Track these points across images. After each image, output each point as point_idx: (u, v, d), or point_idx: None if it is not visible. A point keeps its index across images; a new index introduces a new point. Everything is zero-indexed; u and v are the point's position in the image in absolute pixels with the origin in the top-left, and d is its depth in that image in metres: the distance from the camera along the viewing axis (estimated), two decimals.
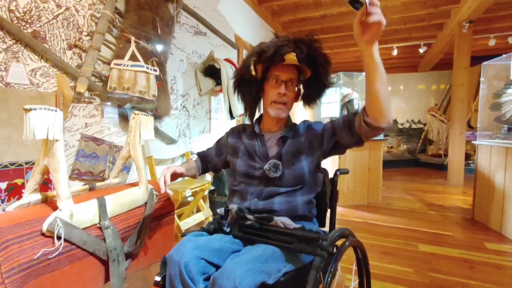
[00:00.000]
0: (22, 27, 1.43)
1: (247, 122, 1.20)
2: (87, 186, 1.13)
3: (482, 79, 3.03)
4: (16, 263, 0.71)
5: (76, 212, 0.88)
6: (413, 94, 6.81)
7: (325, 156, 1.06)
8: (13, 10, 1.39)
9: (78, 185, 1.20)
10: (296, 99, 1.09)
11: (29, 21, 1.46)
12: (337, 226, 1.08)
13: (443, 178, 4.80)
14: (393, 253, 2.03)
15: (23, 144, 1.40)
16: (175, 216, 1.75)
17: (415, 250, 2.08)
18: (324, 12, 4.38)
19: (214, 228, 1.00)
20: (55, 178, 0.85)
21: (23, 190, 1.41)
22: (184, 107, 2.67)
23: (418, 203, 3.38)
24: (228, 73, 2.77)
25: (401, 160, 6.28)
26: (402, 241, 2.24)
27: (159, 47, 2.08)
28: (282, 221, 0.92)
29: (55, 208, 0.86)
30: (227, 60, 3.00)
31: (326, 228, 1.16)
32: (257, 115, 1.17)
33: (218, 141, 1.24)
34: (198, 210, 2.47)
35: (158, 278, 0.86)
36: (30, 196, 0.91)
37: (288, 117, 1.12)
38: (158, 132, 2.29)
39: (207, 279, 0.81)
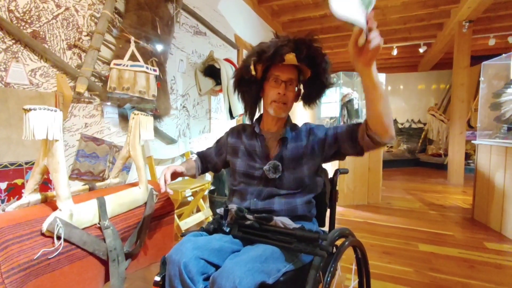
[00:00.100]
0: (21, 27, 1.43)
1: (247, 122, 1.20)
2: (87, 186, 1.13)
3: (482, 78, 3.02)
4: (16, 263, 0.71)
5: (76, 212, 0.88)
6: (413, 94, 6.81)
7: (325, 161, 1.08)
8: (13, 10, 1.39)
9: (78, 185, 1.20)
10: (296, 99, 1.09)
11: (29, 21, 1.46)
12: (337, 226, 1.08)
13: (443, 178, 4.80)
14: (393, 252, 2.03)
15: (23, 144, 1.40)
16: (175, 216, 1.75)
17: (415, 250, 2.08)
18: (324, 12, 4.37)
19: (213, 228, 1.00)
20: (55, 178, 0.85)
21: (23, 190, 1.41)
22: (184, 107, 2.67)
23: (418, 202, 3.38)
24: (228, 73, 2.77)
25: (401, 160, 6.27)
26: (402, 240, 2.24)
27: (159, 47, 2.08)
28: (282, 221, 0.92)
29: (55, 208, 0.86)
30: (227, 60, 3.00)
31: (326, 228, 1.17)
32: (257, 115, 1.17)
33: (218, 141, 1.24)
34: (198, 210, 2.47)
35: (157, 278, 0.86)
36: (30, 196, 0.91)
37: (288, 117, 1.12)
38: (158, 132, 2.29)
39: (206, 279, 0.81)
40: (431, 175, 5.15)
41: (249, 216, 0.95)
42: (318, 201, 1.12)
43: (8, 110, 1.35)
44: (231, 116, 2.90)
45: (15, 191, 1.40)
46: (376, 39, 0.66)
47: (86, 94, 1.73)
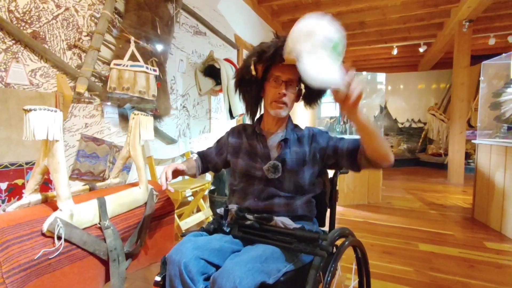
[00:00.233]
0: (21, 28, 1.43)
1: (247, 121, 1.20)
2: (87, 186, 1.14)
3: (482, 78, 3.02)
4: (16, 263, 0.71)
5: (76, 212, 0.89)
6: (413, 93, 6.81)
7: (324, 168, 1.10)
8: (13, 10, 1.39)
9: (78, 185, 1.20)
10: (297, 99, 1.09)
11: (29, 21, 1.46)
12: (337, 225, 1.08)
13: (443, 177, 4.80)
14: (393, 252, 2.04)
15: (23, 145, 1.41)
16: (175, 216, 1.76)
17: (415, 249, 2.08)
18: (323, 12, 4.37)
19: (214, 228, 1.00)
20: (55, 178, 0.85)
21: (23, 191, 1.41)
22: (184, 107, 2.68)
23: (418, 202, 3.38)
24: (228, 73, 2.77)
25: (401, 159, 6.28)
26: (402, 240, 2.25)
27: (159, 47, 2.08)
28: (282, 221, 0.92)
29: (55, 208, 0.86)
30: (226, 60, 3.00)
31: (326, 228, 1.17)
32: (258, 115, 1.17)
33: (219, 141, 1.23)
34: (198, 210, 2.47)
35: (158, 278, 0.86)
36: (31, 196, 0.92)
37: (289, 118, 1.11)
38: (158, 132, 2.29)
39: (207, 279, 0.81)
40: (431, 175, 5.15)
41: (249, 216, 0.95)
42: (318, 201, 1.12)
43: (8, 111, 1.35)
44: (231, 116, 2.90)
45: (15, 191, 1.40)
46: (355, 91, 0.69)
47: (86, 94, 1.73)
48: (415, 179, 4.80)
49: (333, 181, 1.18)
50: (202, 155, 1.24)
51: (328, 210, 1.19)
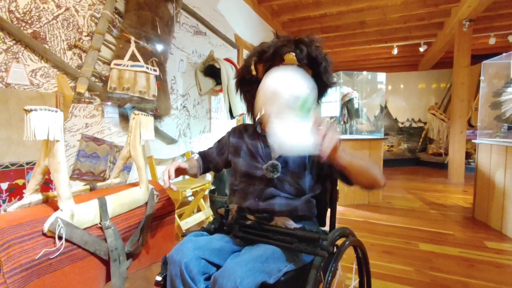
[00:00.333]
0: (22, 28, 1.43)
1: (247, 121, 1.20)
2: (88, 186, 1.14)
3: (482, 77, 3.02)
4: (17, 263, 0.71)
5: (77, 212, 0.89)
6: (413, 93, 6.81)
7: (319, 174, 1.09)
8: (13, 10, 1.40)
9: (79, 185, 1.20)
10: None
11: (29, 21, 1.46)
12: (337, 225, 1.08)
13: (443, 177, 4.80)
14: (394, 252, 2.04)
15: (23, 145, 1.41)
16: (176, 216, 1.76)
17: (415, 249, 2.08)
18: (323, 11, 4.37)
19: (214, 228, 1.00)
20: (56, 178, 0.85)
21: (24, 191, 1.41)
22: (184, 107, 2.68)
23: (419, 202, 3.38)
24: (228, 73, 2.77)
25: (402, 159, 6.28)
26: (403, 240, 2.25)
27: (159, 47, 2.08)
28: (282, 221, 0.92)
29: (56, 208, 0.86)
30: (227, 59, 3.00)
31: (327, 228, 1.17)
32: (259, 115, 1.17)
33: (220, 141, 1.23)
34: (199, 210, 2.47)
35: (159, 278, 0.86)
36: (31, 196, 0.92)
37: None
38: (158, 132, 2.29)
39: (207, 279, 0.81)
40: (431, 174, 5.15)
41: (250, 216, 0.95)
42: (319, 201, 1.12)
43: (9, 111, 1.36)
44: (231, 116, 2.90)
45: (16, 192, 1.40)
46: (327, 149, 0.66)
47: (87, 94, 1.73)
48: (415, 179, 4.80)
49: (334, 180, 1.18)
50: (203, 155, 1.24)
51: (329, 210, 1.19)
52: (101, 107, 1.84)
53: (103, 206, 0.98)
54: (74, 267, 0.86)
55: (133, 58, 1.85)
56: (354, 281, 1.20)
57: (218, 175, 2.51)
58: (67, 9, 1.63)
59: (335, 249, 0.90)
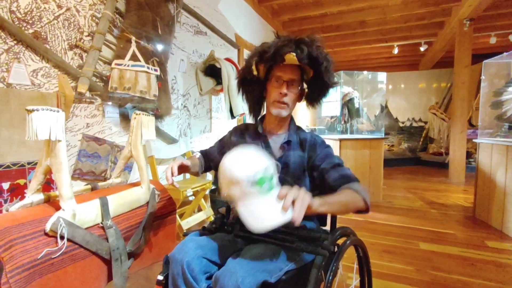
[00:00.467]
0: (23, 28, 1.43)
1: (248, 121, 1.20)
2: (89, 186, 1.14)
3: (483, 77, 3.02)
4: (20, 263, 0.72)
5: (79, 212, 0.89)
6: (414, 93, 6.81)
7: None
8: (14, 11, 1.40)
9: (80, 185, 1.21)
10: (299, 99, 1.09)
11: (30, 21, 1.46)
12: (338, 225, 1.08)
13: (444, 177, 4.80)
14: (394, 251, 2.04)
15: (25, 145, 1.41)
16: (177, 216, 1.76)
17: (416, 249, 2.08)
18: (324, 11, 4.37)
19: (215, 227, 1.00)
20: (58, 178, 0.85)
21: (25, 190, 1.42)
22: (185, 106, 2.68)
23: (419, 201, 3.38)
24: (228, 73, 2.77)
25: (402, 159, 6.27)
26: (403, 239, 2.25)
27: (160, 47, 2.08)
28: None
29: (57, 208, 0.87)
30: (227, 59, 3.00)
31: (327, 227, 1.17)
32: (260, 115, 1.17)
33: (221, 140, 1.23)
34: (200, 210, 2.47)
35: (160, 277, 0.86)
36: (33, 196, 0.92)
37: (292, 120, 1.11)
38: (159, 132, 2.29)
39: (209, 278, 0.81)
40: (432, 174, 5.14)
41: None
42: None
43: (10, 111, 1.36)
44: (232, 116, 2.90)
45: (17, 191, 1.40)
46: (299, 215, 0.65)
47: (88, 94, 1.74)
48: (416, 178, 4.80)
49: None
50: (204, 153, 1.24)
51: None
52: (102, 107, 1.85)
53: (104, 206, 0.98)
54: (75, 267, 0.86)
55: (134, 58, 1.86)
56: (355, 280, 1.21)
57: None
58: (68, 9, 1.63)
59: (336, 249, 0.91)
